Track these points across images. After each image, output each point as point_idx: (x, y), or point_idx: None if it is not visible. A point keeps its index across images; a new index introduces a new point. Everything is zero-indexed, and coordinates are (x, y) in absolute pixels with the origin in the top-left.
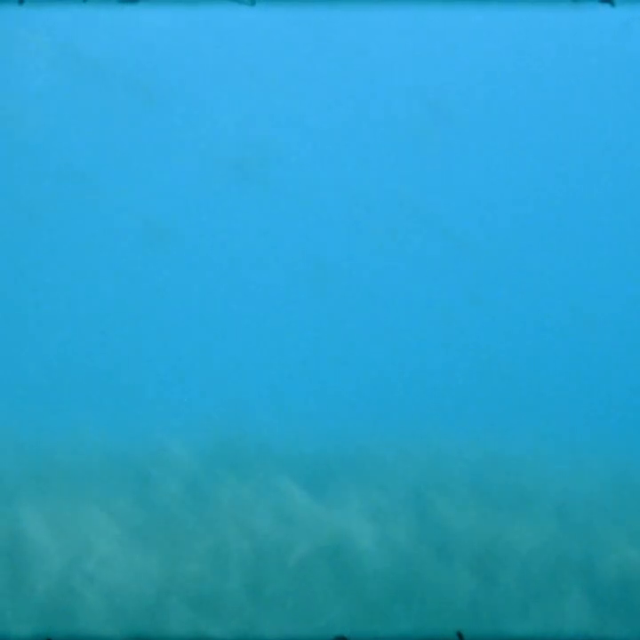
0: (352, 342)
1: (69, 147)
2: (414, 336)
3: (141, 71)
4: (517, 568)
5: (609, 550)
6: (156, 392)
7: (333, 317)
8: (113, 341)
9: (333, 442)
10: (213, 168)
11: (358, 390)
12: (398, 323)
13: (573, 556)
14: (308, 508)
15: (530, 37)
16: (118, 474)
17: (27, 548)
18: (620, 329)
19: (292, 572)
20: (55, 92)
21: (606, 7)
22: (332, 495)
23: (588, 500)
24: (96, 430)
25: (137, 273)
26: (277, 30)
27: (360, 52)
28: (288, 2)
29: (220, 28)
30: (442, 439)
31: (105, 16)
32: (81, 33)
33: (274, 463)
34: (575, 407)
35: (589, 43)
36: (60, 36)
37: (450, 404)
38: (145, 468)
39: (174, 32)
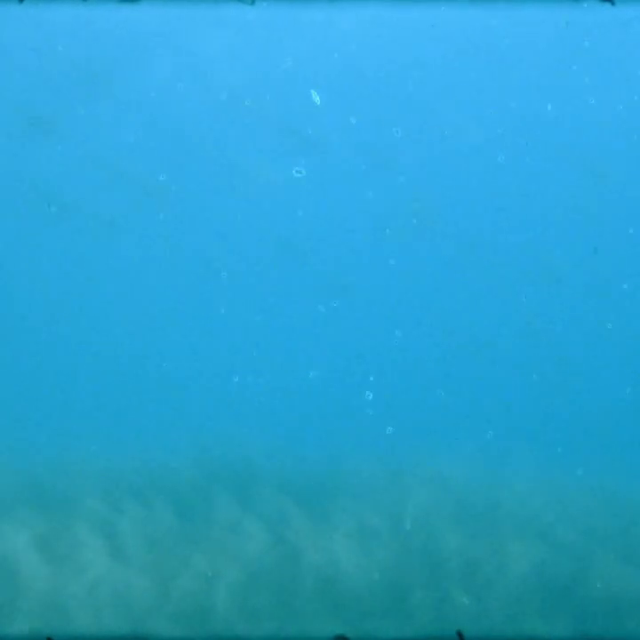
0: (345, 364)
1: (68, 147)
2: (406, 359)
3: (141, 70)
4: (505, 587)
5: (594, 571)
6: (148, 412)
7: (328, 340)
8: (108, 361)
9: (325, 462)
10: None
11: (350, 411)
12: (391, 345)
13: (560, 577)
14: (300, 527)
15: (530, 37)
16: (110, 493)
17: (18, 566)
18: (609, 358)
19: (282, 591)
20: (55, 92)
21: (607, 6)
22: (324, 515)
23: (575, 522)
24: (88, 450)
25: (135, 291)
26: (277, 30)
27: (361, 52)
28: (288, 2)
29: (220, 27)
30: (432, 460)
31: (105, 16)
32: (81, 33)
33: (265, 483)
34: (562, 431)
35: (589, 42)
36: (60, 36)
37: (441, 426)
38: (138, 488)
39: (174, 31)
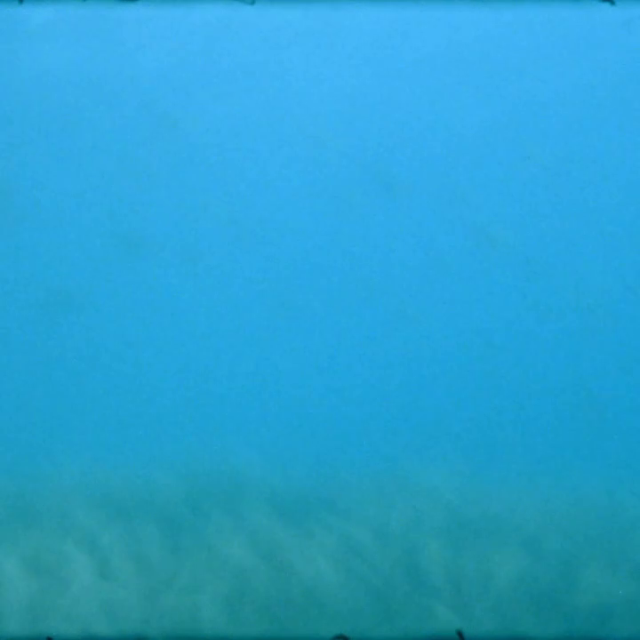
0: (331, 381)
1: (68, 147)
2: (392, 374)
3: (140, 70)
4: (492, 596)
5: (579, 579)
6: (136, 429)
7: (313, 355)
8: (96, 381)
9: (312, 477)
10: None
11: (337, 427)
12: (377, 360)
13: (545, 584)
14: (286, 541)
15: (531, 36)
16: (99, 509)
17: (5, 583)
18: (597, 374)
19: (268, 604)
20: (56, 91)
21: (607, 6)
22: (310, 528)
23: (560, 531)
24: (76, 466)
25: (125, 304)
26: (277, 29)
27: (359, 51)
28: (288, 2)
29: (220, 27)
30: (419, 474)
31: (105, 16)
32: (81, 33)
33: (253, 497)
34: (548, 444)
35: (590, 41)
36: (60, 36)
37: (427, 439)
38: (125, 504)
39: (174, 31)
